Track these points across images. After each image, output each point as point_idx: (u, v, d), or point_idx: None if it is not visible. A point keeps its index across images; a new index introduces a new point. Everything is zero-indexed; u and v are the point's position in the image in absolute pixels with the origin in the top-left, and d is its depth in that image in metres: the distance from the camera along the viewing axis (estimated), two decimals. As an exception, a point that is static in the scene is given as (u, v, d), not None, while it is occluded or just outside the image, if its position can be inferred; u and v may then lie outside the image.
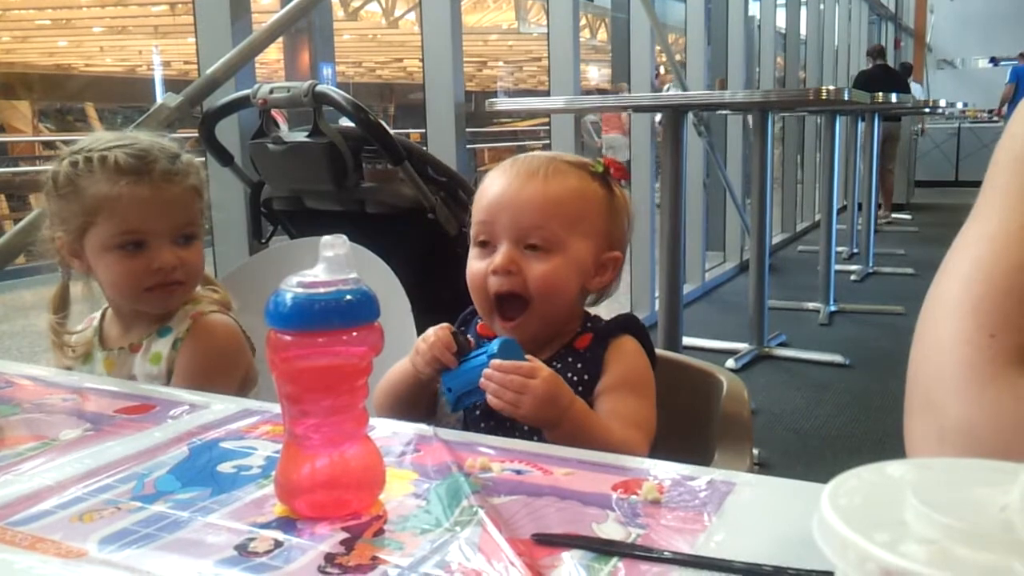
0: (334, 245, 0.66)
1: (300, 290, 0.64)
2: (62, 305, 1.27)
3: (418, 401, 1.00)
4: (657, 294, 3.40)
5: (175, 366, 1.19)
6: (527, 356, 0.92)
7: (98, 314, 1.30)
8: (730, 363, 3.61)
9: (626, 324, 1.04)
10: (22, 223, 2.01)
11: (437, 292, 1.66)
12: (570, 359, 1.01)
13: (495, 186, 1.01)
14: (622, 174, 1.07)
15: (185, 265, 1.21)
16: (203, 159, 2.23)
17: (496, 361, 0.89)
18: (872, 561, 0.28)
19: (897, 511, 0.30)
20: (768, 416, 3.15)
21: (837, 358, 3.77)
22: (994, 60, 13.30)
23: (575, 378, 0.99)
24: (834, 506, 0.31)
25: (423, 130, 3.34)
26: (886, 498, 0.31)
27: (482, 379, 0.89)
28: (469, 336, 1.03)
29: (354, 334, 0.65)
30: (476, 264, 1.00)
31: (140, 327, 1.25)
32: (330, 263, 0.65)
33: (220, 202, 2.39)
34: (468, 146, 3.69)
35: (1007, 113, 9.68)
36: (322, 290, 0.64)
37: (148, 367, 1.21)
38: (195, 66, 2.43)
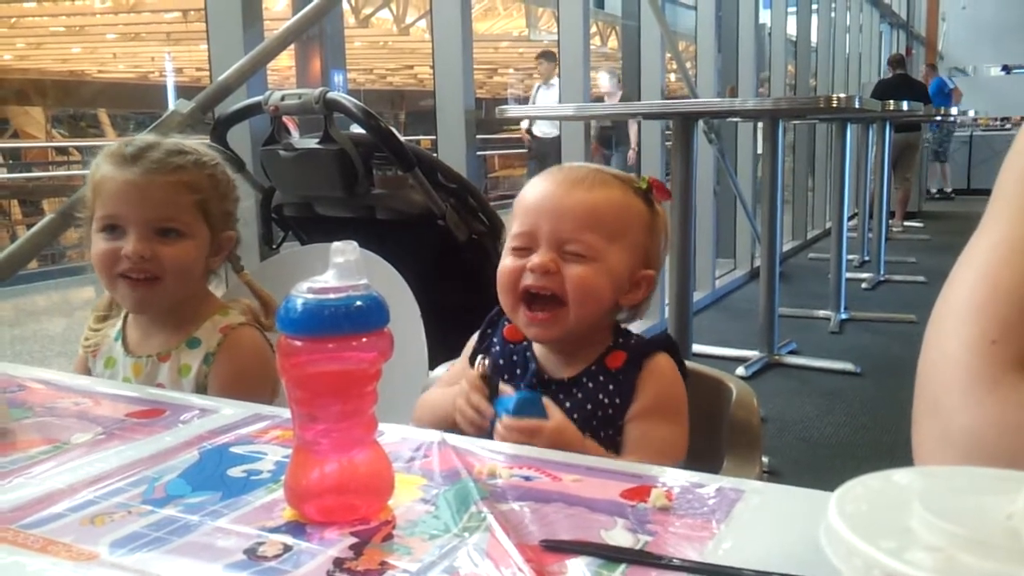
0: (344, 251, 0.66)
1: (311, 296, 0.64)
2: (107, 308, 1.30)
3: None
4: (667, 301, 3.40)
5: (210, 382, 1.20)
6: (545, 402, 0.92)
7: (119, 317, 1.31)
8: (740, 371, 3.60)
9: (658, 343, 1.03)
10: (36, 228, 2.02)
11: (447, 298, 1.67)
12: (602, 378, 1.00)
13: (538, 192, 1.02)
14: (665, 194, 1.07)
15: (159, 260, 1.17)
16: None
17: (505, 421, 0.91)
18: (878, 568, 0.28)
19: (903, 519, 0.30)
20: (778, 424, 3.14)
21: (848, 366, 3.75)
22: (1006, 68, 13.25)
23: (606, 400, 0.98)
24: (841, 513, 0.31)
25: (433, 136, 3.35)
26: (892, 506, 0.31)
27: (496, 437, 0.90)
28: (494, 350, 1.03)
29: (364, 340, 0.65)
30: (510, 262, 1.00)
31: (162, 334, 1.24)
32: (340, 269, 0.66)
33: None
34: (478, 153, 3.69)
35: None
36: (332, 296, 0.64)
37: (177, 378, 1.21)
38: (207, 73, 2.45)
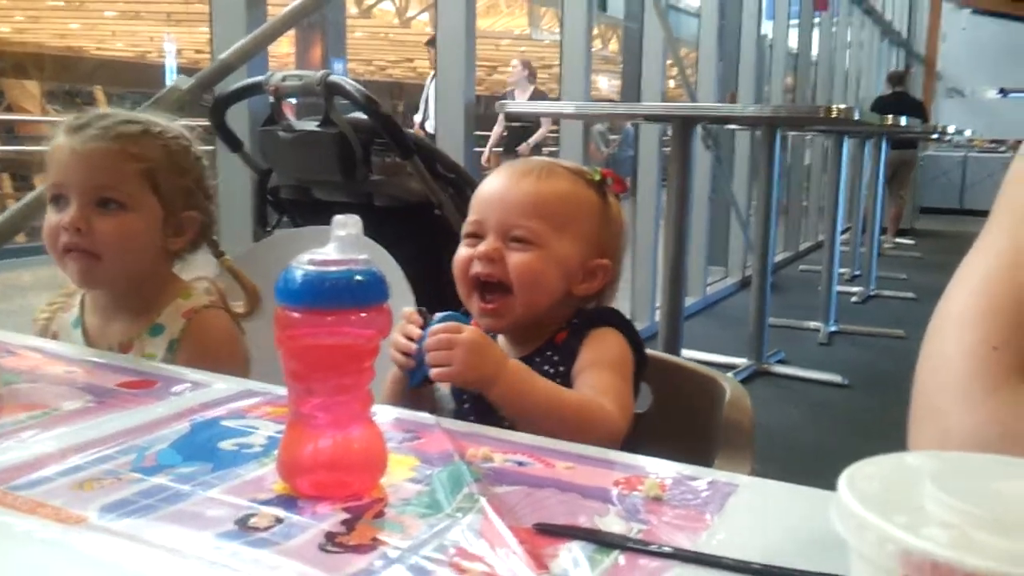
0: (346, 224, 0.65)
1: (311, 267, 0.64)
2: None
3: (416, 403, 0.97)
4: (658, 305, 3.40)
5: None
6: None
7: (76, 300, 1.23)
8: (730, 376, 3.60)
9: (607, 317, 1.05)
10: (23, 201, 2.01)
11: (442, 288, 1.66)
12: (548, 353, 1.02)
13: (490, 185, 1.05)
14: (621, 187, 1.10)
15: (96, 234, 1.10)
16: (212, 147, 2.23)
17: (431, 328, 0.91)
18: (892, 543, 0.28)
19: (915, 498, 0.30)
20: (764, 432, 3.12)
21: (835, 378, 3.76)
22: (1003, 91, 13.32)
23: (551, 370, 1.00)
24: (852, 490, 0.30)
25: (431, 131, 3.34)
26: (904, 485, 0.31)
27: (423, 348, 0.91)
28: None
29: (363, 315, 0.64)
30: (462, 251, 1.03)
31: (122, 321, 1.18)
32: (342, 242, 0.65)
33: (227, 188, 2.39)
34: (475, 149, 3.69)
35: None
36: (333, 268, 0.64)
37: None
38: (206, 55, 2.44)
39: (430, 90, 6.41)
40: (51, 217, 1.12)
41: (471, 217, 1.04)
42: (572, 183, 1.04)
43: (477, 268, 1.00)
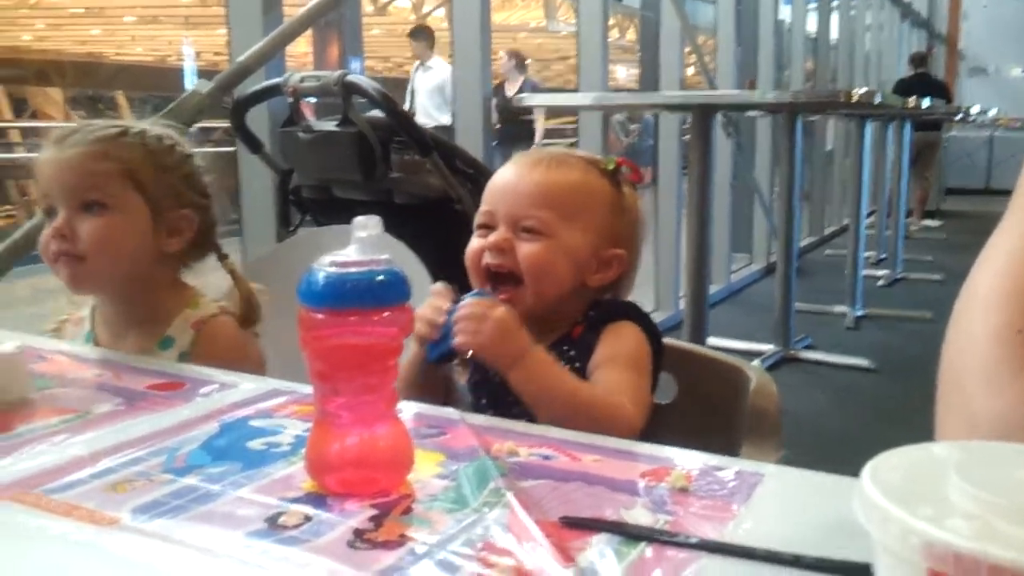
0: (367, 226, 0.66)
1: (333, 269, 0.64)
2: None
3: (431, 386, 1.00)
4: (682, 293, 3.39)
5: None
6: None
7: (87, 312, 1.23)
8: (755, 364, 3.58)
9: (625, 310, 1.03)
10: (36, 218, 2.02)
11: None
12: (564, 347, 1.00)
13: (501, 176, 1.04)
14: (637, 176, 1.08)
15: (77, 237, 1.08)
16: (233, 148, 2.25)
17: (467, 300, 0.92)
18: (915, 535, 0.28)
19: (939, 488, 0.30)
20: (792, 418, 3.11)
21: (863, 362, 3.74)
22: (1028, 69, 13.12)
23: (567, 365, 0.97)
24: (875, 481, 0.30)
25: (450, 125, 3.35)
26: (928, 476, 0.31)
27: (453, 319, 0.91)
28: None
29: (385, 315, 0.65)
30: (474, 242, 1.02)
31: (132, 335, 1.16)
32: (363, 244, 0.66)
33: (249, 190, 2.41)
34: (493, 143, 3.69)
35: None
36: (354, 269, 0.64)
37: None
38: (224, 57, 2.46)
39: (415, 81, 6.38)
40: (45, 230, 1.12)
41: (483, 208, 1.03)
42: (584, 173, 1.03)
43: (488, 259, 1.00)
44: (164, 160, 1.16)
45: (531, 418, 0.92)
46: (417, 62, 6.48)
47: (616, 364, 0.97)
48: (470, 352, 0.93)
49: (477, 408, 1.01)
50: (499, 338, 0.90)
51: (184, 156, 1.20)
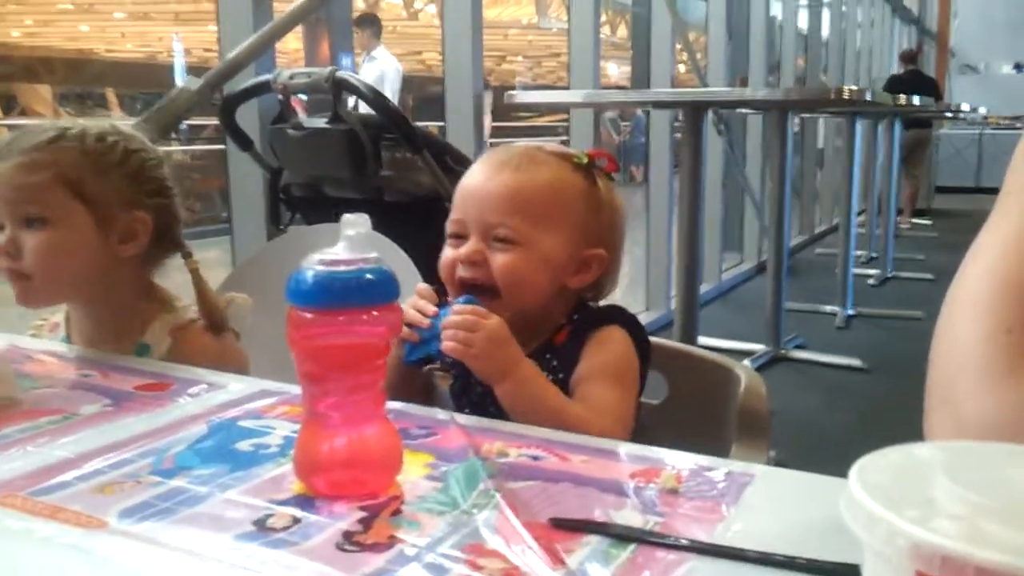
0: (356, 224, 0.66)
1: (321, 268, 0.64)
2: None
3: (407, 388, 0.95)
4: (673, 293, 3.39)
5: None
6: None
7: (61, 317, 1.19)
8: (746, 364, 3.59)
9: (610, 314, 0.99)
10: None
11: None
12: (547, 356, 0.96)
13: (469, 179, 0.98)
14: (613, 167, 1.03)
15: (22, 255, 1.04)
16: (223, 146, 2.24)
17: (458, 306, 0.89)
18: (902, 537, 0.28)
19: (926, 489, 0.30)
20: (783, 418, 3.13)
21: (854, 362, 3.75)
22: (1018, 66, 13.18)
23: (550, 377, 0.94)
24: (862, 483, 0.30)
25: (441, 123, 3.34)
26: (914, 477, 0.31)
27: (442, 324, 0.88)
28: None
29: (374, 313, 0.65)
30: (447, 252, 0.97)
31: (107, 342, 1.11)
32: (351, 242, 0.65)
33: (239, 188, 2.40)
34: (487, 140, 3.69)
35: None
36: (343, 268, 0.64)
37: None
38: (215, 54, 2.44)
39: (361, 73, 5.63)
40: None
41: (453, 215, 0.97)
42: (554, 171, 0.97)
43: (461, 272, 0.95)
44: (104, 162, 1.09)
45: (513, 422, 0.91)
46: (363, 52, 5.98)
47: (601, 379, 0.93)
48: (449, 359, 0.90)
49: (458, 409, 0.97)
50: (490, 350, 0.86)
51: (129, 153, 1.12)
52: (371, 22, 6.14)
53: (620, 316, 1.00)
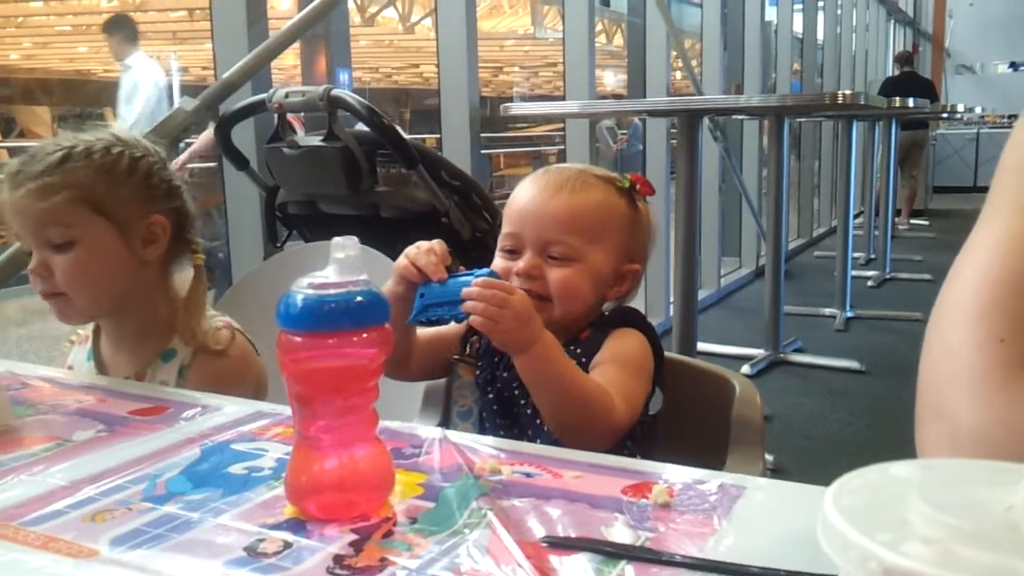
0: (344, 246, 0.66)
1: (310, 291, 0.64)
2: None
3: (404, 347, 1.02)
4: (672, 299, 3.39)
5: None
6: None
7: (88, 332, 1.22)
8: (745, 369, 3.59)
9: (631, 318, 1.07)
10: (11, 249, 1.98)
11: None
12: (571, 347, 1.03)
13: (524, 196, 1.07)
14: (648, 190, 1.13)
15: (54, 276, 1.08)
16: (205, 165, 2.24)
17: (482, 279, 0.92)
18: (874, 560, 0.28)
19: (901, 511, 0.30)
20: (783, 422, 3.13)
21: (853, 364, 3.74)
22: (1014, 65, 13.19)
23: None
24: (837, 506, 0.30)
25: (438, 135, 3.35)
26: (890, 498, 0.31)
27: (463, 293, 0.91)
28: (484, 339, 1.05)
29: (364, 335, 0.65)
30: (500, 263, 1.05)
31: (133, 348, 1.16)
32: (341, 264, 0.65)
33: (236, 206, 2.41)
34: (483, 151, 3.69)
35: None
36: (332, 291, 0.64)
37: None
38: (212, 72, 2.45)
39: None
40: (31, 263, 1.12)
41: (507, 229, 1.06)
42: (604, 193, 1.07)
43: (518, 283, 1.02)
44: (115, 173, 1.12)
45: (535, 412, 0.98)
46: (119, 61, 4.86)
47: (615, 363, 1.01)
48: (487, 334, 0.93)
49: (483, 403, 1.05)
50: (516, 327, 0.91)
51: (135, 160, 1.14)
52: (122, 25, 5.03)
53: (639, 322, 1.08)
